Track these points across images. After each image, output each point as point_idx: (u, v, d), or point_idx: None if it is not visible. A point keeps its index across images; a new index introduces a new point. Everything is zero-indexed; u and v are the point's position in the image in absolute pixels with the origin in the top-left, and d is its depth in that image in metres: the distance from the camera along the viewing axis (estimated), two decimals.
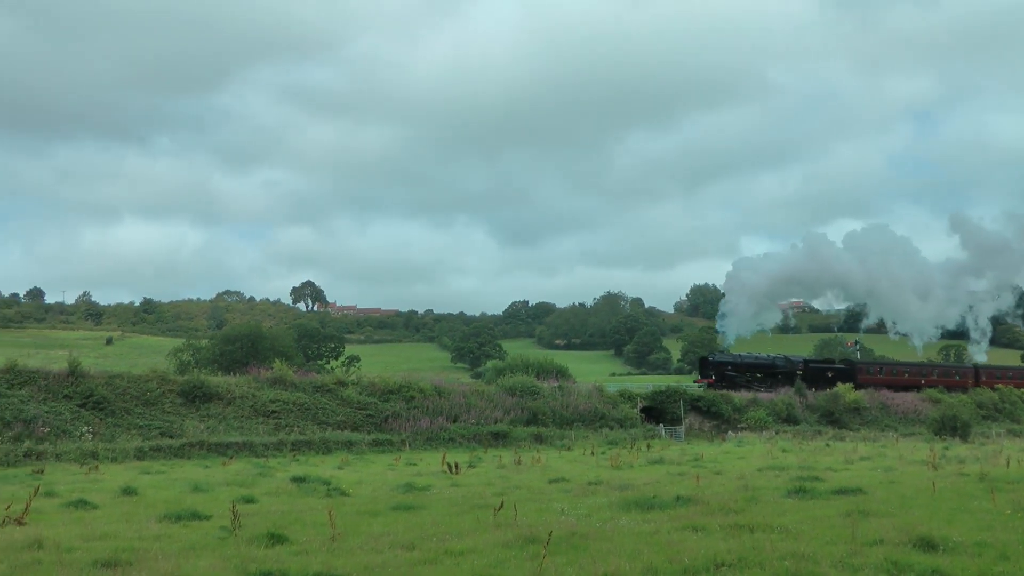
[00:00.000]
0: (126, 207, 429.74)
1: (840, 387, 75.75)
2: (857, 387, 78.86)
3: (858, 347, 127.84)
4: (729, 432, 61.84)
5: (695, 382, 79.00)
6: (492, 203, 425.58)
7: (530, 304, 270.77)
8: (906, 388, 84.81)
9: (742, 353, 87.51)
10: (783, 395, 72.22)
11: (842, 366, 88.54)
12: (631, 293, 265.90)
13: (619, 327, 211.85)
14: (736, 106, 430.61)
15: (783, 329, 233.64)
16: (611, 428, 56.61)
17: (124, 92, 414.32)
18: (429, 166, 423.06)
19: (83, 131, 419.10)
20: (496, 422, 52.61)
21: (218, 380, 49.91)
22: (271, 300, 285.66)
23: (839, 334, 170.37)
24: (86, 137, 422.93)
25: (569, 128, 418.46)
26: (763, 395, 71.21)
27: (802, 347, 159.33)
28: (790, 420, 67.36)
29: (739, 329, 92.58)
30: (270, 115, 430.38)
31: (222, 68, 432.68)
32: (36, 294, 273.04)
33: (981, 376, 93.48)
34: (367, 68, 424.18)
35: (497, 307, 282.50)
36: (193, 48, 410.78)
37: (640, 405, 63.35)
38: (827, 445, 48.39)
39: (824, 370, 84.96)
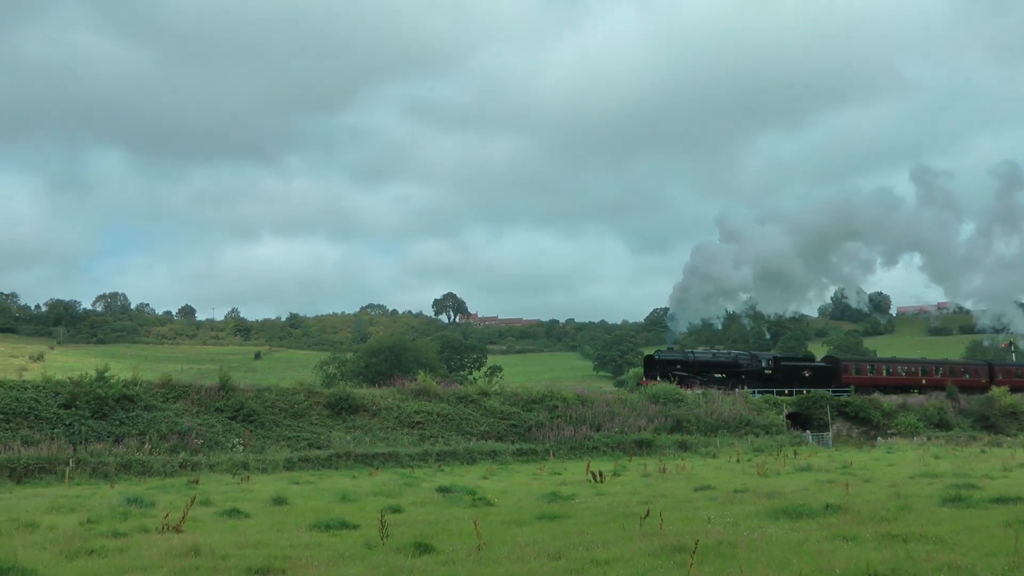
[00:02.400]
0: (264, 226, 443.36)
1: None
2: (841, 388, 71.62)
3: (1013, 349, 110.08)
4: (878, 438, 60.33)
5: (639, 383, 71.07)
6: (622, 210, 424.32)
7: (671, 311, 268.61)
8: (902, 389, 75.38)
9: (696, 350, 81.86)
10: (934, 400, 68.27)
11: (823, 364, 79.55)
12: None
13: (761, 331, 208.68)
14: (868, 103, 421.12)
15: (933, 331, 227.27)
16: (756, 435, 55.77)
17: (256, 115, 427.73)
18: (557, 175, 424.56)
19: (218, 154, 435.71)
20: (640, 430, 52.26)
21: (363, 392, 50.65)
22: (413, 312, 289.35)
23: (992, 334, 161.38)
24: (221, 160, 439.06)
25: (696, 132, 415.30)
26: (913, 400, 68.59)
27: (953, 350, 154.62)
28: (942, 425, 65.08)
29: (693, 319, 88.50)
30: (398, 131, 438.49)
31: (349, 87, 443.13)
32: (188, 311, 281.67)
33: (997, 374, 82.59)
34: (492, 81, 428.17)
35: (638, 314, 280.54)
36: (321, 69, 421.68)
37: (786, 411, 62.31)
38: (983, 451, 46.89)
39: (799, 369, 75.21)
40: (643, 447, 49.37)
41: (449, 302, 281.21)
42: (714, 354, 77.27)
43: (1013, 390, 75.22)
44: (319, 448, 42.18)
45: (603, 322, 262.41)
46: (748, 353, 78.20)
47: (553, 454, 46.28)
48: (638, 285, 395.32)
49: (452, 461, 42.68)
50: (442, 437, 47.08)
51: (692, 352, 75.59)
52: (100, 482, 32.16)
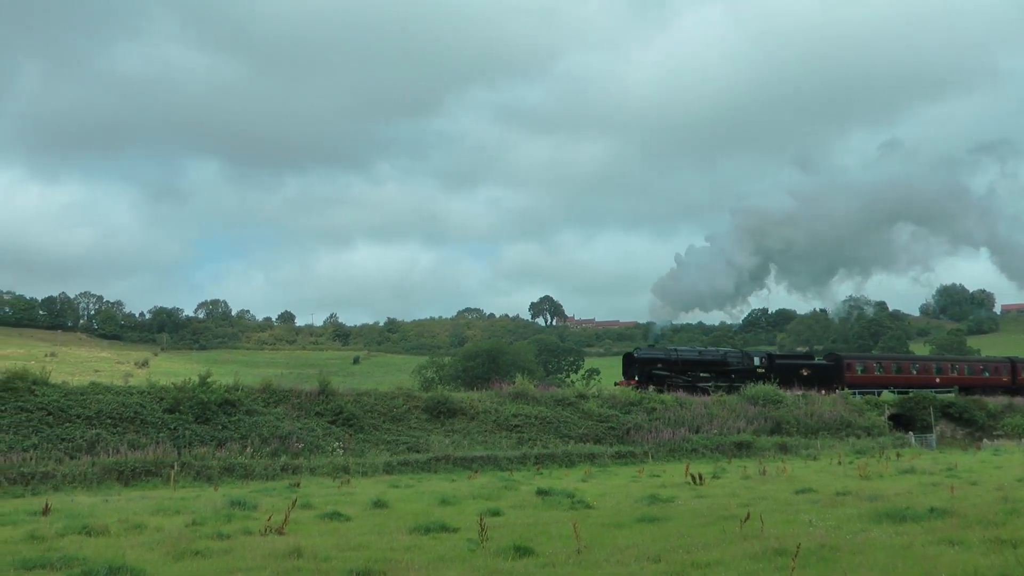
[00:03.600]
0: (357, 232, 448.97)
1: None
2: (845, 387, 66.06)
3: None
4: (984, 440, 59.02)
5: (616, 384, 65.38)
6: (713, 210, 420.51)
7: (770, 312, 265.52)
8: (912, 389, 69.17)
9: (680, 347, 74.17)
10: None
11: (824, 362, 73.31)
12: (874, 296, 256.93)
13: (863, 332, 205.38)
14: (962, 96, 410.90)
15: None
16: (858, 437, 54.90)
17: (345, 122, 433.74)
18: (647, 177, 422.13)
19: (310, 162, 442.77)
20: (739, 432, 51.76)
21: (461, 396, 50.87)
22: (510, 316, 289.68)
23: None
24: (313, 167, 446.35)
25: (787, 129, 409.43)
26: (1021, 400, 66.35)
27: None
28: None
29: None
30: (487, 135, 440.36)
31: (438, 93, 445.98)
32: (287, 317, 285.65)
33: (1021, 372, 77.44)
34: (579, 83, 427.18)
35: (735, 315, 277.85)
36: (409, 76, 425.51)
37: (888, 412, 61.25)
38: None
39: (796, 367, 69.32)
40: (742, 449, 48.89)
41: (546, 305, 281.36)
42: (700, 352, 71.72)
43: None
44: (418, 451, 42.43)
45: (700, 324, 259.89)
46: (739, 351, 73.72)
47: (652, 456, 46.04)
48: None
49: (551, 464, 42.64)
50: (540, 440, 47.08)
51: (675, 350, 70.04)
52: (204, 485, 32.73)
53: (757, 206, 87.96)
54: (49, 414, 37.76)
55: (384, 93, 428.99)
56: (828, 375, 69.14)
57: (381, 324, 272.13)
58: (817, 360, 74.57)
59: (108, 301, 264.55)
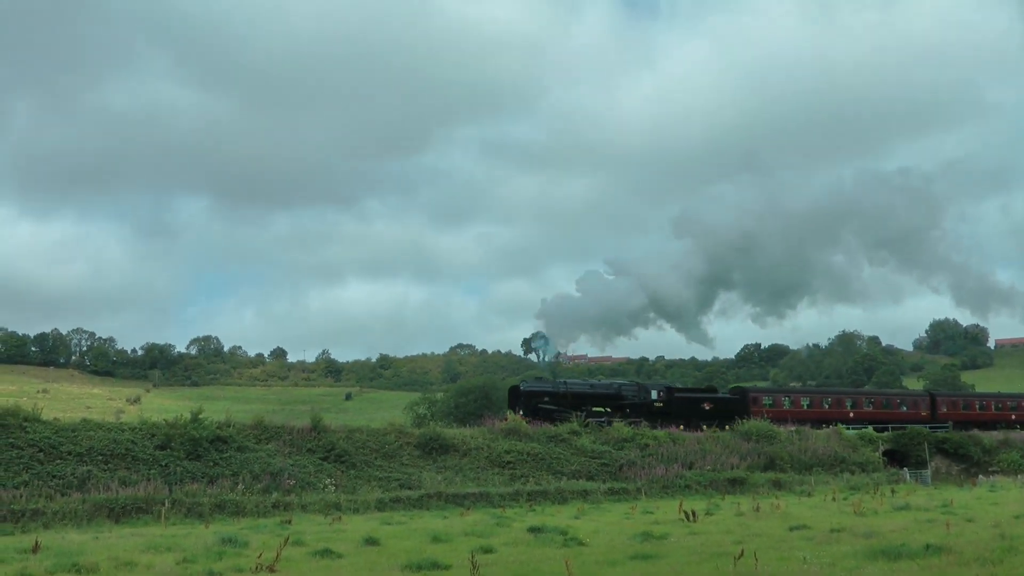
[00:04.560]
0: (348, 268, 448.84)
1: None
2: (749, 419, 62.69)
3: None
4: (980, 476, 58.95)
5: (502, 420, 58.51)
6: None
7: (763, 347, 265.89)
8: (825, 423, 65.89)
9: (569, 380, 70.37)
10: None
11: (727, 396, 70.41)
12: (866, 331, 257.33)
13: (856, 367, 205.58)
14: (949, 129, 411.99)
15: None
16: (852, 473, 54.89)
17: (333, 160, 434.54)
18: (636, 212, 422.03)
19: (299, 199, 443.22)
20: (732, 468, 51.70)
21: (454, 432, 50.77)
22: (503, 352, 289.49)
23: None
24: (302, 204, 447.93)
25: (774, 163, 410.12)
26: (1016, 436, 66.17)
27: None
28: None
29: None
30: (475, 171, 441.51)
31: (426, 130, 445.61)
32: (279, 354, 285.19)
33: (940, 407, 75.16)
34: (566, 120, 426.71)
35: (728, 351, 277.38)
36: (396, 113, 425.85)
37: (882, 448, 61.21)
38: None
39: (697, 401, 65.95)
40: (736, 485, 48.81)
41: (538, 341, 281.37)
42: (592, 384, 67.78)
43: (958, 422, 71.94)
44: (410, 488, 42.30)
45: (693, 359, 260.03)
46: (634, 383, 69.78)
47: (645, 493, 45.93)
48: (725, 321, 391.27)
49: (543, 501, 42.54)
50: (533, 476, 46.98)
51: (564, 382, 65.84)
52: (195, 522, 32.60)
53: (707, 220, 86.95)
54: (40, 451, 37.61)
55: (373, 130, 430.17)
56: (732, 409, 65.63)
57: (373, 360, 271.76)
58: (721, 394, 72.63)
59: (100, 337, 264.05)
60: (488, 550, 19.94)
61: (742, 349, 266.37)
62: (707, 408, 64.79)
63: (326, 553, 19.59)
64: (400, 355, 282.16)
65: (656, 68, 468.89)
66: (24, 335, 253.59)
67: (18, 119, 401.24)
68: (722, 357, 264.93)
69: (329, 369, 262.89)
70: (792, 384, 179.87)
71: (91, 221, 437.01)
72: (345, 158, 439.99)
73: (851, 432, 63.38)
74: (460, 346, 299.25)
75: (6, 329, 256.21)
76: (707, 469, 51.09)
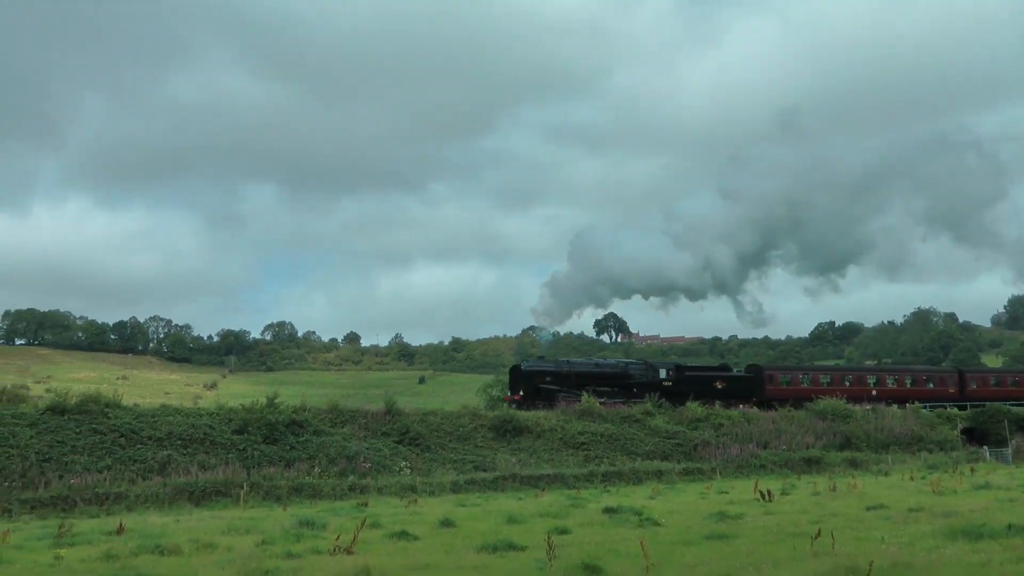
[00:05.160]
0: (416, 252, 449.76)
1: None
2: (764, 402, 62.23)
3: None
4: None
5: (503, 400, 60.42)
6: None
7: (837, 325, 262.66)
8: (850, 401, 62.48)
9: (572, 359, 68.26)
10: None
11: (741, 374, 68.42)
12: (942, 308, 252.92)
13: (932, 344, 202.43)
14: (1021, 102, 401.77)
15: None
16: (930, 451, 54.06)
17: (399, 145, 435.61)
18: (702, 192, 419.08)
19: (364, 184, 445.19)
20: (808, 447, 51.22)
21: (527, 414, 50.76)
22: (575, 333, 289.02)
23: None
24: (368, 190, 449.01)
25: (843, 141, 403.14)
26: None
27: None
28: None
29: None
30: (540, 153, 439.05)
31: (489, 112, 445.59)
32: (353, 338, 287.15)
33: (969, 383, 72.10)
34: (631, 100, 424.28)
35: (802, 329, 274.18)
36: (461, 97, 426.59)
37: (960, 427, 60.23)
38: None
39: (709, 380, 63.97)
40: (811, 465, 48.34)
41: (610, 322, 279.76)
42: (597, 364, 65.83)
43: (982, 399, 68.46)
44: (485, 470, 42.44)
45: (766, 338, 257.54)
46: (642, 362, 67.27)
47: (720, 473, 45.68)
48: (795, 298, 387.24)
49: (618, 481, 42.47)
50: (607, 457, 46.91)
51: (568, 361, 64.20)
52: (273, 505, 32.98)
53: (755, 185, 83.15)
54: (122, 436, 38.33)
55: (437, 114, 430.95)
56: (746, 387, 64.60)
57: (445, 344, 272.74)
58: (735, 372, 70.38)
59: (176, 325, 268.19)
60: (563, 531, 19.97)
61: (815, 328, 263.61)
62: (719, 387, 63.28)
63: (403, 535, 19.73)
64: (472, 338, 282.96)
65: (720, 46, 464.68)
66: (103, 323, 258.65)
67: (91, 113, 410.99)
68: (795, 336, 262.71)
69: (402, 353, 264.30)
70: (867, 362, 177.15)
71: (163, 211, 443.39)
72: (410, 143, 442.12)
73: (928, 412, 62.42)
74: (532, 328, 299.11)
75: (86, 317, 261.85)
76: (782, 449, 50.67)
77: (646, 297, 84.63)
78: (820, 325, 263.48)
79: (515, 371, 60.97)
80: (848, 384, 68.35)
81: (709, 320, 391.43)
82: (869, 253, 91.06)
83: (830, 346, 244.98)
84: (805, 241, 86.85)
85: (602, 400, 56.38)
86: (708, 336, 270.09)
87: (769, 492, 28.45)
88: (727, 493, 33.25)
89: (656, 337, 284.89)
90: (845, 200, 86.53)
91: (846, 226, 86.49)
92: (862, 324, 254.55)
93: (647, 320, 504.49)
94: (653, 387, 60.49)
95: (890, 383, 69.92)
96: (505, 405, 55.01)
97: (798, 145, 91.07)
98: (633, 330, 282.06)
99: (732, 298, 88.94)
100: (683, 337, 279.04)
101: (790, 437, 52.31)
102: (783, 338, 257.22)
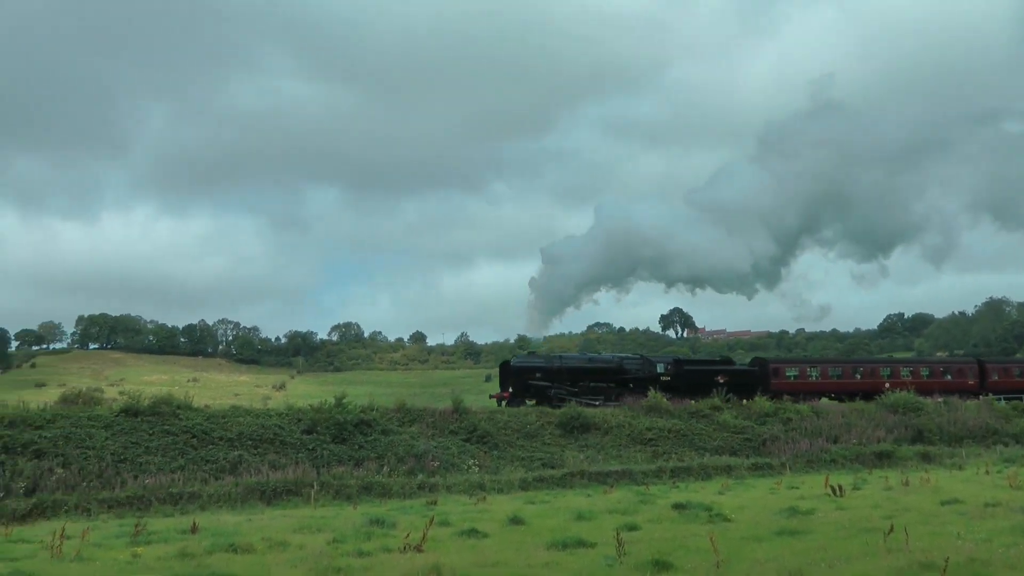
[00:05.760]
0: (478, 251, 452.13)
1: None
2: (769, 394, 59.15)
3: None
4: None
5: (491, 397, 58.84)
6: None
7: (906, 316, 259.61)
8: (864, 396, 61.20)
9: (564, 354, 66.88)
10: None
11: (744, 368, 66.10)
12: (1016, 298, 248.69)
13: (1005, 335, 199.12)
14: None
15: None
16: (1006, 444, 53.08)
17: (459, 144, 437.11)
18: (763, 183, 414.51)
19: (426, 185, 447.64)
20: (878, 441, 50.59)
21: (594, 411, 50.70)
22: (640, 329, 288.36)
23: None
24: (429, 190, 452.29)
25: (907, 128, 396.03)
26: None
27: None
28: None
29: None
30: (599, 150, 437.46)
31: (548, 110, 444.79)
32: (419, 337, 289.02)
33: (990, 374, 68.95)
34: (690, 94, 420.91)
35: (870, 321, 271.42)
36: (519, 95, 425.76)
37: None
38: None
39: (709, 374, 61.40)
40: (883, 459, 47.74)
41: (676, 317, 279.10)
42: (590, 359, 63.47)
43: (1004, 391, 65.52)
44: (553, 467, 42.42)
45: (834, 331, 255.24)
46: (639, 356, 65.30)
47: (789, 468, 45.28)
48: (859, 291, 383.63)
49: (686, 477, 42.25)
50: (675, 453, 46.71)
51: (559, 356, 62.42)
52: (343, 503, 33.21)
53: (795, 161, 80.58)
54: (193, 437, 38.86)
55: (496, 114, 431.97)
56: (750, 382, 61.96)
57: (511, 341, 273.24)
58: (738, 365, 67.75)
59: (245, 327, 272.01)
60: (633, 527, 19.93)
61: (884, 320, 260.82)
62: (721, 381, 60.11)
63: (472, 533, 19.80)
64: (538, 337, 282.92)
65: (779, 38, 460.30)
66: (173, 327, 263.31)
67: (154, 123, 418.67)
68: (864, 328, 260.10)
69: (468, 351, 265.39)
70: (939, 354, 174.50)
71: (227, 216, 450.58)
72: (470, 143, 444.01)
73: (1003, 404, 61.37)
74: (597, 324, 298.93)
75: (157, 321, 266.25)
76: (852, 443, 50.09)
77: (687, 286, 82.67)
78: (889, 317, 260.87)
79: (505, 367, 59.81)
80: (859, 378, 66.48)
81: (769, 314, 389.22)
82: (917, 234, 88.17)
83: (899, 338, 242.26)
84: (849, 220, 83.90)
85: (598, 397, 55.96)
86: (775, 330, 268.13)
87: (840, 487, 28.16)
88: (797, 488, 32.95)
89: (723, 332, 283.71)
90: (889, 174, 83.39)
91: (892, 203, 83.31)
92: (932, 315, 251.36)
93: (715, 315, 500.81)
94: (650, 382, 58.27)
95: (905, 376, 67.10)
96: (496, 403, 53.43)
97: (837, 117, 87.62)
98: (699, 325, 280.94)
99: (769, 290, 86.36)
100: (750, 331, 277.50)
101: (860, 431, 51.72)
102: (851, 331, 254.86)
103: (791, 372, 65.14)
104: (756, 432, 50.39)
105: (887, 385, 64.27)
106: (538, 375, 56.85)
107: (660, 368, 60.40)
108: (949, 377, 68.26)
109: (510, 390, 56.12)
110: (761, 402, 55.01)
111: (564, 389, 55.83)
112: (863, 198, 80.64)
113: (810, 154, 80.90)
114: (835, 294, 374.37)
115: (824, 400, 60.04)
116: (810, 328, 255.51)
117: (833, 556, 14.34)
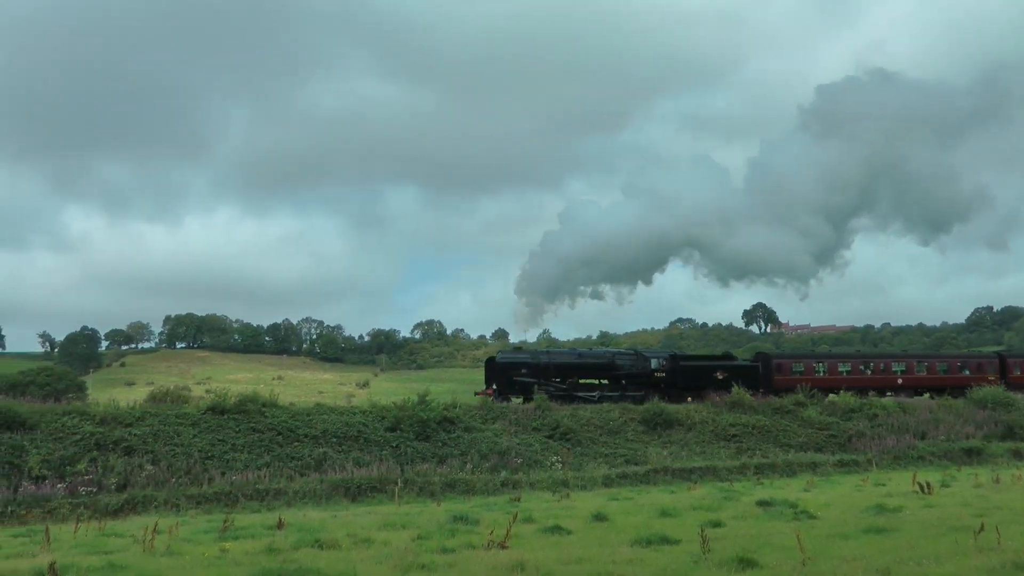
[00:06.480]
0: None
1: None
2: (772, 391, 57.31)
3: None
4: None
5: (476, 395, 54.35)
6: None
7: (995, 310, 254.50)
8: (876, 392, 59.08)
9: (553, 350, 64.05)
10: None
11: (745, 363, 62.76)
12: None
13: None
14: None
15: None
16: None
17: (534, 142, 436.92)
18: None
19: (503, 183, 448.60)
20: (968, 438, 49.71)
21: (677, 407, 50.45)
22: (723, 324, 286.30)
23: None
24: (506, 188, 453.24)
25: (992, 115, 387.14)
26: None
27: None
28: None
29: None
30: (675, 145, 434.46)
31: (624, 106, 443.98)
32: (501, 335, 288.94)
33: (1012, 370, 65.72)
34: (766, 88, 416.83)
35: (957, 315, 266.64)
36: (597, 91, 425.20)
37: None
38: None
39: (707, 370, 58.68)
40: (972, 456, 46.89)
41: (759, 312, 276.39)
42: (580, 354, 60.23)
43: None
44: (636, 464, 42.30)
45: (921, 325, 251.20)
46: (632, 351, 62.18)
47: (875, 464, 44.69)
48: (946, 284, 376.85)
49: (770, 473, 41.91)
50: (759, 449, 46.34)
51: (546, 352, 59.91)
52: (427, 500, 33.42)
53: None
54: (279, 434, 39.41)
55: (572, 111, 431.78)
56: (751, 379, 58.27)
57: (593, 338, 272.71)
58: (740, 361, 64.58)
59: (328, 325, 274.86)
60: (717, 524, 19.82)
61: (972, 313, 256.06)
62: (720, 377, 57.75)
63: (556, 530, 19.80)
64: (620, 332, 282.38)
65: (856, 28, 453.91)
66: (258, 326, 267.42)
67: (237, 126, 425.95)
68: (952, 322, 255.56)
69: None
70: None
71: (308, 216, 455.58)
72: (546, 140, 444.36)
73: None
74: (680, 320, 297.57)
75: (242, 321, 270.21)
76: (940, 439, 49.29)
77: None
78: (977, 311, 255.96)
79: (489, 363, 57.08)
80: (870, 373, 63.51)
81: (855, 309, 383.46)
82: (980, 211, 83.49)
83: (987, 332, 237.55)
84: (905, 197, 79.49)
85: (588, 395, 54.36)
86: (860, 325, 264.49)
87: (928, 484, 27.73)
88: (884, 485, 32.51)
89: (806, 327, 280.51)
90: (941, 147, 79.03)
91: (948, 179, 78.76)
92: (1022, 309, 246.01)
93: (798, 310, 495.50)
94: (644, 378, 56.91)
95: (920, 371, 64.67)
96: (490, 400, 51.06)
97: (891, 87, 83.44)
98: (783, 320, 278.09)
99: (822, 278, 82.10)
100: (834, 326, 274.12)
101: (948, 427, 50.88)
102: (937, 325, 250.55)
103: (797, 367, 62.49)
104: (841, 428, 49.82)
105: (899, 381, 62.94)
106: (524, 371, 54.84)
107: (654, 364, 58.27)
108: (967, 372, 65.52)
109: (494, 387, 54.03)
110: (846, 397, 54.30)
111: (552, 386, 54.20)
112: (919, 174, 76.51)
113: (864, 126, 76.98)
114: (923, 288, 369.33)
115: (832, 396, 57.32)
116: (896, 322, 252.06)
117: (922, 555, 14.12)
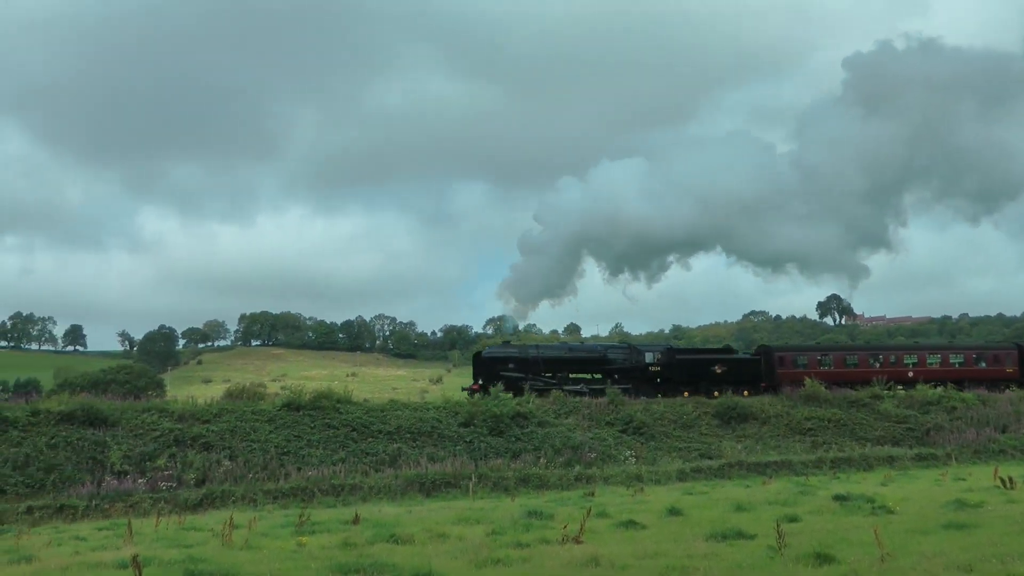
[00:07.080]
0: None
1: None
2: (773, 386, 55.62)
3: None
4: None
5: (463, 390, 53.71)
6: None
7: None
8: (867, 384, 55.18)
9: (542, 344, 62.02)
10: None
11: (746, 356, 61.20)
12: None
13: None
14: None
15: None
16: None
17: (602, 136, 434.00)
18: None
19: (570, 177, 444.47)
20: None
21: (751, 400, 50.11)
22: (796, 317, 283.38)
23: None
24: (574, 182, 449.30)
25: None
26: None
27: None
28: None
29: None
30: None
31: (691, 98, 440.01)
32: (573, 330, 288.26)
33: None
34: (834, 78, 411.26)
35: None
36: (663, 84, 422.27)
37: None
38: None
39: (705, 364, 56.86)
40: None
41: (833, 303, 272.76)
42: (570, 348, 60.11)
43: None
44: (710, 458, 42.10)
45: (1000, 315, 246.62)
46: (626, 345, 61.11)
47: (955, 458, 43.98)
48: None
49: (847, 468, 41.44)
50: (835, 443, 45.85)
51: (535, 346, 58.28)
52: (501, 495, 33.48)
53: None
54: (353, 430, 39.80)
55: (639, 103, 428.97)
56: (751, 373, 57.30)
57: (666, 332, 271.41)
58: (740, 355, 63.09)
59: (401, 322, 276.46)
60: (793, 519, 19.62)
61: None
62: (718, 372, 56.09)
63: (630, 524, 19.72)
64: (692, 325, 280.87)
65: (927, 14, 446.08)
66: (332, 323, 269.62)
67: (306, 126, 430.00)
68: None
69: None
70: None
71: (378, 213, 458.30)
72: (613, 133, 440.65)
73: None
74: (753, 313, 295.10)
75: (315, 318, 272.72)
76: (1022, 433, 48.44)
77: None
78: None
79: (476, 358, 56.32)
80: (879, 366, 59.93)
81: (931, 299, 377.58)
82: None
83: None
84: (953, 172, 75.10)
85: (581, 388, 52.52)
86: (937, 316, 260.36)
87: (1011, 479, 27.19)
88: (964, 480, 31.95)
89: (882, 318, 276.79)
90: (984, 112, 74.92)
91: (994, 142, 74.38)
92: None
93: (873, 301, 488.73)
94: (638, 373, 55.44)
95: (932, 363, 61.58)
96: (476, 396, 49.29)
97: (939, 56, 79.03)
98: (858, 311, 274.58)
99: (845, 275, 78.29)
100: (911, 317, 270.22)
101: None
102: (1017, 315, 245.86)
103: (801, 360, 59.90)
104: (919, 421, 49.15)
105: (910, 374, 59.96)
106: (511, 366, 53.53)
107: (649, 358, 56.45)
108: (983, 365, 62.31)
109: (480, 382, 52.58)
110: (923, 389, 53.55)
111: (541, 380, 52.79)
112: (967, 147, 72.37)
113: (909, 96, 73.32)
114: (1003, 277, 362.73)
115: (901, 391, 54.93)
116: (974, 313, 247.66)
117: (1005, 552, 13.84)
